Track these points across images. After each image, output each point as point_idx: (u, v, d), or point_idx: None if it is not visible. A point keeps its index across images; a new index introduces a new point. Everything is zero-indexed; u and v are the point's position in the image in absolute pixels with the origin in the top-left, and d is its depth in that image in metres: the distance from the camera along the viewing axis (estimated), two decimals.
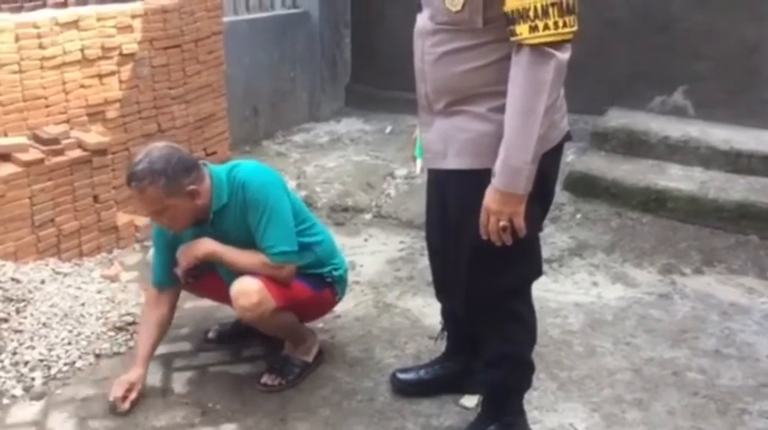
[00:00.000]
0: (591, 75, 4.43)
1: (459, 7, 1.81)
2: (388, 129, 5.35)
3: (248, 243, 2.45)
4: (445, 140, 1.98)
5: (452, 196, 2.04)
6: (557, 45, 1.71)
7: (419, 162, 2.30)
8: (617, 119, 4.50)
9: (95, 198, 3.55)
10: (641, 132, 4.33)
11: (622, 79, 4.59)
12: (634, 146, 4.32)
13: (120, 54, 3.77)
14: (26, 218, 3.26)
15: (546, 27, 1.69)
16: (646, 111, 4.57)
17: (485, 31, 1.81)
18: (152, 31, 3.92)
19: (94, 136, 3.59)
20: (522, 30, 1.71)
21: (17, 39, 3.32)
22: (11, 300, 2.86)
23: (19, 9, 3.72)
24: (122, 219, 3.70)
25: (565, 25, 1.70)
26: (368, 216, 4.20)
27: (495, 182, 1.82)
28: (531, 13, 1.69)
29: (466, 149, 1.94)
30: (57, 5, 3.84)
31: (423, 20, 1.95)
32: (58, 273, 3.25)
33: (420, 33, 1.96)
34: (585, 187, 4.15)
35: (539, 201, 1.97)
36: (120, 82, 3.81)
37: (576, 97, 4.21)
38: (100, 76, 3.70)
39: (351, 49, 5.74)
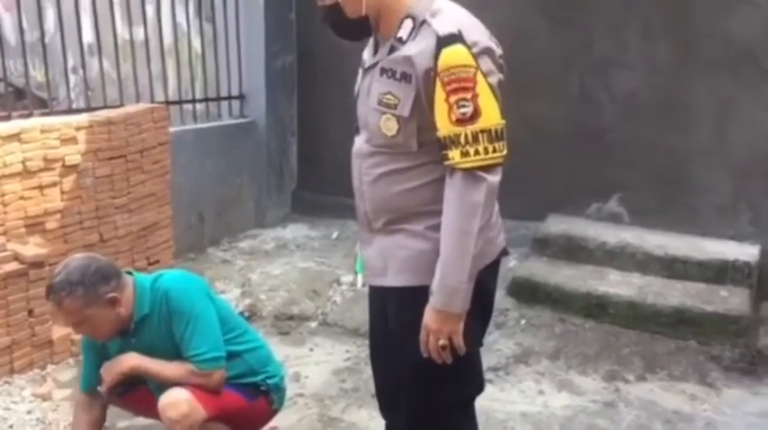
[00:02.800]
0: (530, 182, 4.58)
1: (393, 132, 1.87)
2: (335, 235, 5.38)
3: (175, 355, 2.43)
4: (385, 258, 2.00)
5: (393, 313, 2.04)
6: (488, 169, 1.78)
7: (360, 277, 2.32)
8: (556, 225, 4.62)
9: (30, 312, 3.45)
10: (580, 238, 4.45)
11: (560, 187, 4.74)
12: (574, 251, 4.43)
13: (63, 165, 3.76)
14: None
15: (476, 152, 1.76)
16: (584, 218, 4.70)
17: (420, 154, 1.88)
18: (97, 143, 3.94)
19: (32, 248, 3.52)
20: (454, 155, 1.78)
21: None
22: None
23: None
24: (58, 332, 3.59)
25: (494, 150, 1.77)
26: (313, 324, 4.16)
27: (433, 301, 1.84)
28: (462, 139, 1.76)
29: (405, 267, 1.96)
30: (0, 119, 3.84)
31: (360, 142, 2.01)
32: None
33: (357, 155, 2.02)
34: (529, 293, 4.21)
35: (478, 316, 1.99)
36: (62, 193, 3.78)
37: (517, 204, 4.35)
38: (41, 188, 3.67)
39: (297, 156, 5.84)
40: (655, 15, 4.40)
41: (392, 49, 1.87)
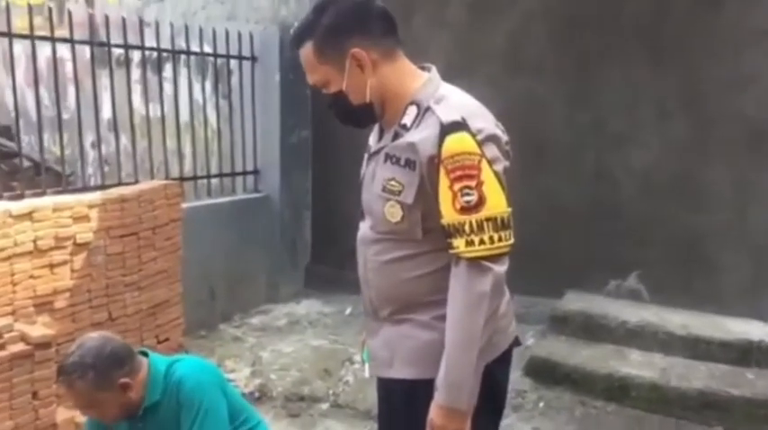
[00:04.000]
0: (547, 259, 4.51)
1: (398, 218, 1.82)
2: (348, 311, 5.30)
3: None
4: (392, 348, 1.93)
5: (398, 406, 1.95)
6: (494, 259, 1.72)
7: (367, 366, 2.23)
8: (575, 302, 4.51)
9: (34, 394, 3.37)
10: (599, 316, 4.33)
11: (578, 263, 4.66)
12: (593, 330, 4.31)
13: (75, 244, 3.75)
14: None
15: (482, 242, 1.70)
16: (602, 295, 4.60)
17: (425, 241, 1.82)
18: (109, 220, 3.93)
19: (39, 328, 3.47)
20: (458, 244, 1.72)
21: None
22: None
23: None
24: (62, 415, 3.50)
25: (501, 239, 1.71)
26: (324, 406, 4.04)
27: (438, 397, 1.76)
28: (467, 228, 1.71)
29: (412, 358, 1.89)
30: (12, 198, 3.85)
31: (364, 228, 1.96)
32: None
33: (362, 241, 1.97)
34: (547, 373, 4.07)
35: (488, 412, 1.89)
36: (72, 271, 3.75)
37: (534, 280, 4.27)
38: (51, 266, 3.65)
39: (311, 230, 5.82)
40: (668, 94, 4.40)
41: (396, 136, 1.84)
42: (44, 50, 4.52)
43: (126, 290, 4.06)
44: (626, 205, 4.54)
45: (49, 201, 3.72)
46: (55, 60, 4.27)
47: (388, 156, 1.84)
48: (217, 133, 5.44)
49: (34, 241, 3.56)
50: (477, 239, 1.71)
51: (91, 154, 5.96)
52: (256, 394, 4.12)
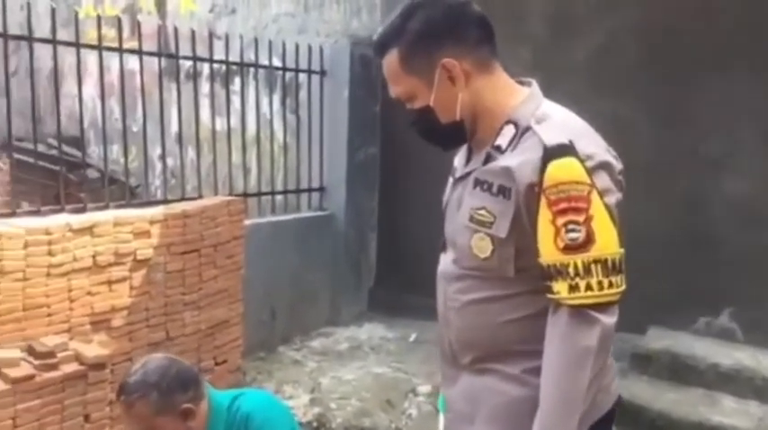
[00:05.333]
0: (630, 291, 4.11)
1: (487, 254, 1.58)
2: (413, 337, 5.06)
3: None
4: (473, 402, 1.68)
5: None
6: (602, 308, 1.46)
7: (441, 417, 1.99)
8: (659, 340, 4.16)
9: (86, 417, 3.23)
10: (687, 356, 3.98)
11: (663, 297, 4.30)
12: (680, 371, 3.95)
13: (134, 260, 3.62)
14: None
15: (588, 287, 1.45)
16: (689, 333, 4.23)
17: (518, 281, 1.57)
18: (170, 236, 3.80)
19: (94, 348, 3.34)
20: (560, 288, 1.47)
21: (25, 245, 3.18)
22: None
23: (35, 213, 3.63)
24: None
25: (611, 286, 1.46)
26: None
27: None
28: (571, 270, 1.45)
29: (497, 416, 1.64)
30: (75, 211, 3.76)
31: (446, 262, 1.72)
32: None
33: (443, 277, 1.73)
34: (629, 418, 3.70)
35: None
36: (131, 288, 3.62)
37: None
38: (109, 283, 3.52)
39: (376, 252, 5.60)
40: None
41: (488, 158, 1.60)
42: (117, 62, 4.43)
43: (185, 308, 3.91)
44: (720, 236, 4.17)
45: (110, 215, 3.61)
46: (122, 71, 4.18)
47: (477, 182, 1.60)
48: (283, 148, 5.30)
49: (93, 256, 3.44)
50: (582, 284, 1.45)
51: (158, 166, 5.90)
52: (315, 424, 3.92)
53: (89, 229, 3.43)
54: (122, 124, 4.32)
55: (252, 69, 5.12)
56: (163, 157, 4.68)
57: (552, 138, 1.49)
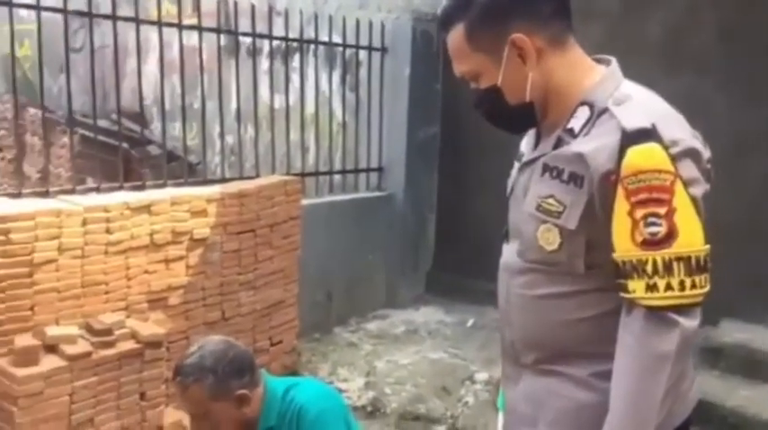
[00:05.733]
0: None
1: (555, 246, 1.45)
2: (470, 323, 4.94)
3: None
4: (535, 404, 1.56)
5: None
6: (683, 310, 1.32)
7: (501, 417, 1.88)
8: (732, 333, 3.94)
9: (142, 395, 3.24)
10: (763, 352, 3.75)
11: (738, 288, 4.04)
12: (754, 367, 3.73)
13: (191, 239, 3.61)
14: (63, 417, 2.97)
15: (668, 287, 1.31)
16: (765, 326, 3.99)
17: (588, 278, 1.44)
18: (227, 216, 3.77)
19: (150, 327, 3.34)
20: (635, 287, 1.33)
21: (84, 223, 3.19)
22: None
23: (95, 190, 3.63)
24: (170, 417, 3.36)
25: (694, 286, 1.32)
26: (441, 428, 3.72)
27: None
28: (650, 268, 1.32)
29: (561, 421, 1.51)
30: (133, 188, 3.76)
31: (509, 253, 1.60)
32: None
33: (506, 269, 1.61)
34: (699, 414, 3.54)
35: None
36: (188, 267, 3.62)
37: None
38: (166, 262, 3.52)
39: (435, 234, 5.48)
40: None
41: (559, 142, 1.47)
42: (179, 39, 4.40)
43: (240, 289, 3.89)
44: None
45: (167, 194, 3.59)
46: (181, 48, 4.15)
47: (546, 168, 1.46)
48: (342, 127, 5.22)
49: (151, 235, 3.44)
50: (662, 283, 1.31)
51: (218, 144, 5.90)
52: (369, 408, 3.86)
53: (146, 208, 3.42)
54: (182, 101, 4.29)
55: (311, 46, 5.03)
56: (221, 135, 4.64)
57: (632, 121, 1.35)
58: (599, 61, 1.54)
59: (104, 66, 4.71)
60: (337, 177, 5.15)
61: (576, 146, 1.42)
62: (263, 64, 5.17)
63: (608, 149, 1.36)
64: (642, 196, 1.32)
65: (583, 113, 1.45)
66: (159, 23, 4.03)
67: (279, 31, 4.76)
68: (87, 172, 5.60)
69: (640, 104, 1.40)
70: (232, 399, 2.04)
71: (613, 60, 1.52)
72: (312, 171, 4.95)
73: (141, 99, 4.20)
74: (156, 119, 7.25)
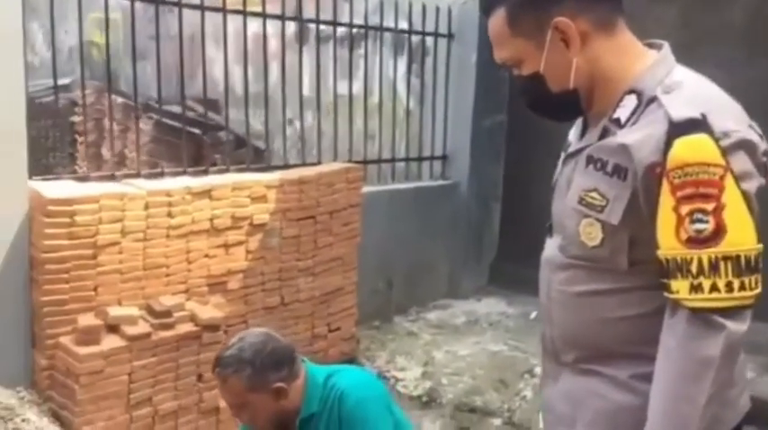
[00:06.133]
0: None
1: (597, 242, 1.39)
2: (533, 315, 4.83)
3: None
4: (574, 404, 1.51)
5: None
6: (729, 312, 1.24)
7: (542, 416, 1.82)
8: None
9: (199, 377, 3.31)
10: None
11: None
12: None
13: (251, 224, 3.65)
14: (122, 396, 3.06)
15: (714, 288, 1.23)
16: None
17: (631, 275, 1.37)
18: (286, 202, 3.80)
19: (209, 310, 3.40)
20: (679, 287, 1.26)
21: (146, 207, 3.26)
22: None
23: (158, 175, 3.71)
24: None
25: (743, 287, 1.23)
26: (497, 421, 3.66)
27: None
28: (694, 268, 1.24)
29: (599, 422, 1.46)
30: (197, 173, 3.82)
31: (551, 248, 1.54)
32: None
33: (548, 264, 1.55)
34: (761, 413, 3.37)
35: None
36: (247, 252, 3.66)
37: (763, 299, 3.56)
38: (226, 246, 3.57)
39: (499, 224, 5.39)
40: None
41: (605, 133, 1.40)
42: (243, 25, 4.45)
43: (299, 275, 3.92)
44: None
45: (228, 179, 3.64)
46: (245, 35, 4.19)
47: (590, 160, 1.40)
48: (406, 114, 5.17)
49: (211, 220, 3.49)
50: (707, 284, 1.23)
51: (284, 131, 5.96)
52: (424, 399, 3.84)
53: (207, 193, 3.48)
54: (244, 88, 4.34)
55: (377, 32, 5.00)
56: (283, 122, 4.67)
57: (681, 110, 1.27)
58: (651, 46, 1.45)
59: (174, 53, 4.81)
60: (401, 165, 5.11)
61: (622, 136, 1.35)
62: (330, 51, 5.18)
63: (654, 140, 1.28)
64: (688, 191, 1.24)
65: (630, 102, 1.37)
66: (224, 10, 4.07)
67: (344, 17, 4.75)
68: (160, 157, 5.76)
69: (691, 92, 1.32)
70: (269, 392, 2.07)
71: (665, 45, 1.43)
72: (375, 158, 4.92)
73: (206, 85, 4.25)
74: (231, 105, 7.39)
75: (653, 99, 1.33)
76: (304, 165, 4.34)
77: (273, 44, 4.70)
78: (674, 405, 1.27)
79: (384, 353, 4.31)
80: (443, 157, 5.19)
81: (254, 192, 3.65)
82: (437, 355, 4.26)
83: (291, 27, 4.75)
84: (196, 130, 5.84)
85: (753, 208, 1.26)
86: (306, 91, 4.65)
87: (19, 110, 2.99)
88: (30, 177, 3.13)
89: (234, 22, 4.24)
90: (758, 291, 1.25)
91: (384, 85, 4.99)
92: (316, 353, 3.96)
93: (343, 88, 4.83)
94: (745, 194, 1.24)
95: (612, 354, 1.43)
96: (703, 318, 1.24)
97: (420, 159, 5.12)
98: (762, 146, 1.31)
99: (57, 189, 3.09)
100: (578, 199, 1.41)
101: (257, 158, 4.80)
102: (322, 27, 4.62)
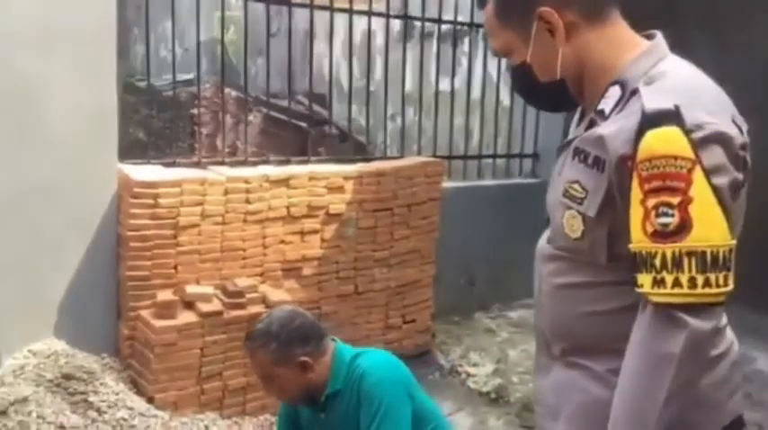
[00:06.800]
0: None
1: (578, 234, 1.38)
2: None
3: None
4: (559, 397, 1.50)
5: None
6: (693, 309, 1.20)
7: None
8: None
9: None
10: None
11: None
12: None
13: (327, 213, 3.78)
14: (194, 368, 3.27)
15: (676, 283, 1.20)
16: None
17: (609, 269, 1.36)
18: (363, 193, 3.90)
19: (280, 293, 3.55)
20: (644, 281, 1.24)
21: (226, 192, 3.46)
22: None
23: (242, 163, 3.91)
24: None
25: (707, 284, 1.19)
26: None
27: None
28: (658, 262, 1.21)
29: (578, 416, 1.45)
30: (279, 163, 3.99)
31: (543, 239, 1.55)
32: None
33: (539, 255, 1.57)
34: None
35: None
36: (322, 240, 3.79)
37: None
38: (302, 233, 3.72)
39: None
40: None
41: (591, 124, 1.39)
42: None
43: (375, 265, 4.01)
44: None
45: (305, 169, 3.78)
46: (350, 32, 4.36)
47: (576, 152, 1.40)
48: (495, 112, 5.14)
49: (288, 207, 3.65)
50: (669, 279, 1.21)
51: (385, 126, 6.09)
52: (493, 395, 3.83)
53: (285, 181, 3.64)
54: (349, 83, 4.48)
55: (481, 30, 5.00)
56: (384, 117, 4.77)
57: (654, 102, 1.24)
58: (649, 37, 1.42)
59: (293, 50, 5.05)
60: (499, 162, 5.08)
61: (601, 128, 1.33)
62: (432, 47, 5.24)
63: (626, 132, 1.27)
64: (655, 184, 1.22)
65: (614, 93, 1.36)
66: (331, 9, 4.24)
67: (448, 14, 4.81)
68: (267, 148, 6.04)
69: (670, 83, 1.29)
70: (295, 365, 2.16)
71: (658, 34, 1.40)
72: (460, 154, 4.93)
73: (290, 76, 4.40)
74: (337, 100, 7.63)
75: (635, 91, 1.31)
76: (385, 158, 4.42)
77: (378, 41, 4.84)
78: (634, 401, 1.25)
79: (459, 347, 4.33)
80: (534, 155, 5.13)
81: (331, 183, 3.78)
82: (511, 353, 4.23)
83: (397, 24, 4.88)
84: (302, 124, 6.08)
85: (725, 204, 1.21)
86: (408, 87, 4.76)
87: (111, 100, 3.26)
88: (120, 161, 3.40)
89: (341, 19, 4.40)
90: (727, 288, 1.20)
91: (483, 83, 4.99)
92: (389, 344, 4.04)
93: (444, 85, 4.88)
94: (715, 189, 1.20)
95: (593, 348, 1.42)
96: (666, 313, 1.21)
97: (509, 156, 5.09)
98: (739, 139, 1.25)
99: (143, 172, 3.34)
100: (563, 191, 1.41)
101: (359, 152, 4.95)
102: (426, 24, 4.71)
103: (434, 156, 4.55)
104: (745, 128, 1.30)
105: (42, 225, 3.17)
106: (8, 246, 3.11)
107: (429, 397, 2.44)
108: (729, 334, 1.44)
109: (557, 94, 1.46)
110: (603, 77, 1.38)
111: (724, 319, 1.43)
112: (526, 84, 1.48)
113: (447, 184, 4.53)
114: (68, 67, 3.14)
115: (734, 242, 1.21)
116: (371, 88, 4.59)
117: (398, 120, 5.03)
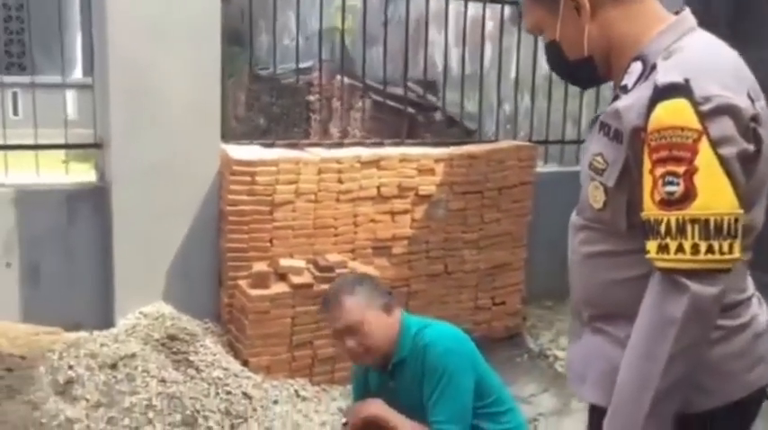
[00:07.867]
0: None
1: (600, 205, 1.44)
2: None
3: (419, 409, 2.28)
4: (586, 362, 1.56)
5: None
6: (695, 275, 1.24)
7: None
8: None
9: None
10: None
11: None
12: None
13: (417, 195, 3.89)
14: (285, 336, 3.49)
15: (679, 249, 1.24)
16: None
17: (629, 238, 1.41)
18: (454, 176, 3.98)
19: (369, 270, 3.70)
20: (651, 247, 1.29)
21: (319, 172, 3.65)
22: (229, 414, 3.05)
23: (338, 145, 4.09)
24: None
25: (710, 251, 1.23)
26: None
27: None
28: (663, 228, 1.26)
29: (600, 381, 1.50)
30: (374, 145, 4.15)
31: (575, 211, 1.62)
32: (298, 395, 3.38)
33: (571, 226, 1.63)
34: None
35: None
36: (412, 220, 3.91)
37: None
38: (392, 213, 3.85)
39: None
40: None
41: (615, 99, 1.44)
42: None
43: (464, 246, 4.09)
44: None
45: (396, 151, 3.91)
46: (465, 19, 4.46)
47: (602, 125, 1.45)
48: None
49: (378, 187, 3.79)
50: (673, 245, 1.25)
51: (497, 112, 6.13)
52: None
53: (376, 162, 3.79)
54: (461, 70, 4.58)
55: None
56: (497, 102, 4.81)
57: (666, 75, 1.29)
58: (678, 13, 1.45)
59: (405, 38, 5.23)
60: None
61: (620, 101, 1.39)
62: None
63: (639, 105, 1.32)
64: (663, 154, 1.27)
65: (636, 69, 1.41)
66: None
67: None
68: (377, 134, 6.24)
69: (686, 57, 1.32)
70: (380, 307, 2.30)
71: (686, 9, 1.43)
72: (557, 139, 4.90)
73: (385, 63, 4.52)
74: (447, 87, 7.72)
75: (654, 65, 1.35)
76: (481, 142, 4.48)
77: (490, 27, 4.90)
78: (638, 361, 1.30)
79: (549, 332, 4.34)
80: None
81: (421, 165, 3.89)
82: None
83: (508, 11, 4.93)
84: (411, 110, 6.23)
85: (732, 173, 1.24)
86: (515, 73, 4.80)
87: (214, 85, 3.53)
88: (223, 141, 3.67)
89: (454, 5, 4.51)
90: (732, 256, 1.23)
91: None
92: (479, 325, 4.12)
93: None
94: (722, 159, 1.23)
95: (615, 314, 1.47)
96: (670, 278, 1.26)
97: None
98: (750, 111, 1.27)
99: (243, 152, 3.59)
100: (588, 163, 1.47)
101: (467, 138, 5.03)
102: None
103: (530, 140, 4.56)
104: (762, 102, 1.31)
105: (156, 200, 3.48)
106: (128, 220, 3.45)
107: (494, 371, 2.49)
108: (755, 306, 1.45)
109: (583, 71, 1.51)
110: (629, 53, 1.43)
111: (750, 290, 1.44)
112: (556, 61, 1.54)
113: (543, 169, 4.53)
114: (179, 58, 3.44)
115: (741, 212, 1.23)
116: (483, 74, 4.68)
117: (506, 106, 5.07)
